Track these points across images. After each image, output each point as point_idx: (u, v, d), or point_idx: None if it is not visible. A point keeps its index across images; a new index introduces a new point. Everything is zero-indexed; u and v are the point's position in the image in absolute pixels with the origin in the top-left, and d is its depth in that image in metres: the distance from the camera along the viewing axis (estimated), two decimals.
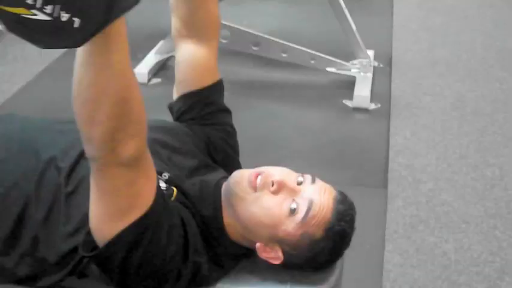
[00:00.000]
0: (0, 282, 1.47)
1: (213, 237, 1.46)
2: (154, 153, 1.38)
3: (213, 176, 1.58)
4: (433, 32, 4.82)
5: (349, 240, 1.48)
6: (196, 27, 1.70)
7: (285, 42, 3.86)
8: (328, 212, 1.41)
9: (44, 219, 1.44)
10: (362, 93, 3.72)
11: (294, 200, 1.41)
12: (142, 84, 3.70)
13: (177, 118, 1.75)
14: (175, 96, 1.76)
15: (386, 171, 3.10)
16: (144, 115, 1.24)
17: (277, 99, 3.86)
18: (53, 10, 0.96)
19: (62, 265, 1.43)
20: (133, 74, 1.19)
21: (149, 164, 1.31)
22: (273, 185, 1.41)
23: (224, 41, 3.66)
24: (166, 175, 1.46)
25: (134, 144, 1.22)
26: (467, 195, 2.95)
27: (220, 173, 1.60)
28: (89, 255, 1.35)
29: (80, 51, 1.12)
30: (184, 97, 1.72)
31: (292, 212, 1.40)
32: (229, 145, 1.75)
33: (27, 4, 0.95)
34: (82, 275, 1.46)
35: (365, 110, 3.67)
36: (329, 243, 1.43)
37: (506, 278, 2.46)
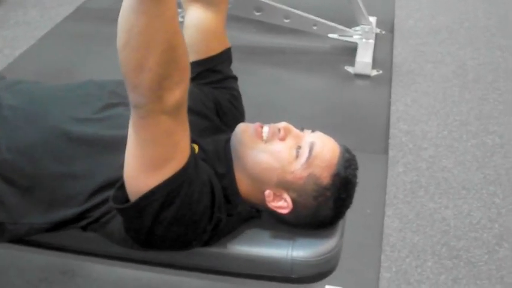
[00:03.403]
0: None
1: (225, 194, 1.48)
2: None
3: (222, 136, 1.60)
4: None
5: (353, 193, 1.52)
6: None
7: (287, 8, 3.85)
8: (334, 157, 1.48)
9: (54, 179, 1.46)
10: (364, 60, 3.72)
11: (299, 145, 1.48)
12: None
13: None
14: None
15: (387, 138, 3.12)
16: (188, 63, 1.28)
17: (278, 64, 3.86)
18: None
19: (77, 221, 1.46)
20: (178, 23, 1.22)
21: (186, 115, 1.33)
22: (279, 132, 1.49)
23: None
24: None
25: (179, 92, 1.25)
26: (467, 162, 2.97)
27: (228, 134, 1.61)
28: (121, 207, 1.35)
29: None
30: (192, 65, 1.73)
31: (298, 154, 1.46)
32: (236, 108, 1.78)
33: None
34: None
35: (366, 77, 3.67)
36: (334, 192, 1.47)
37: (504, 245, 2.49)
